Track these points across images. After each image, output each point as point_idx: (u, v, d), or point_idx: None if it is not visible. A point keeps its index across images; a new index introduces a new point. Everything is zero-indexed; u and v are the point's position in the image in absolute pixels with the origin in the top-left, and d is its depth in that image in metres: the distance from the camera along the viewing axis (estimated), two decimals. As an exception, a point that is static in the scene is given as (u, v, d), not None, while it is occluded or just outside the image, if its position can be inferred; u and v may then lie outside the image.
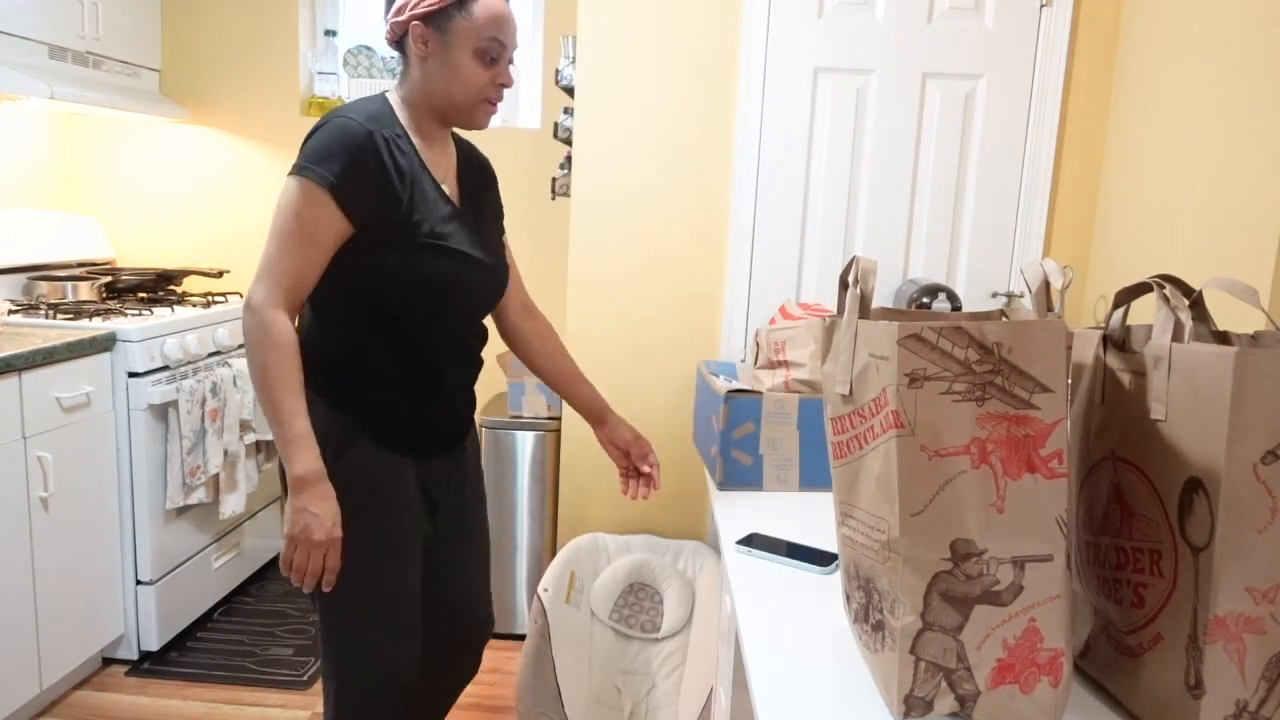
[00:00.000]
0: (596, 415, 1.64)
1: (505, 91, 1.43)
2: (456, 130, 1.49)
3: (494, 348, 3.17)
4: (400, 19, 1.36)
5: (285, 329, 1.29)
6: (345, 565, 1.36)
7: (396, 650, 1.43)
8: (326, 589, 1.30)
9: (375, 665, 1.42)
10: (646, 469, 1.61)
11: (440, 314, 1.41)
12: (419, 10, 1.34)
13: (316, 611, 1.45)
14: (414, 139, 1.40)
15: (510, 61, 1.41)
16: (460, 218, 1.43)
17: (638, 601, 2.34)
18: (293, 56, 3.05)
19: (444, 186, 1.43)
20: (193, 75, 3.08)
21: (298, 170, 1.30)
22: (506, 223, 3.10)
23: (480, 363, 1.55)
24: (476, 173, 1.54)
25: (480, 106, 1.39)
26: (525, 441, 2.71)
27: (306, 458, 1.27)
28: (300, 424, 1.28)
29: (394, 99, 1.42)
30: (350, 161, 1.29)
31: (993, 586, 0.82)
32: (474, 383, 1.55)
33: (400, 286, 1.36)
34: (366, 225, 1.32)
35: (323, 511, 1.27)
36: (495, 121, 3.17)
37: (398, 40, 1.39)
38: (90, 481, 2.34)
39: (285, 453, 1.28)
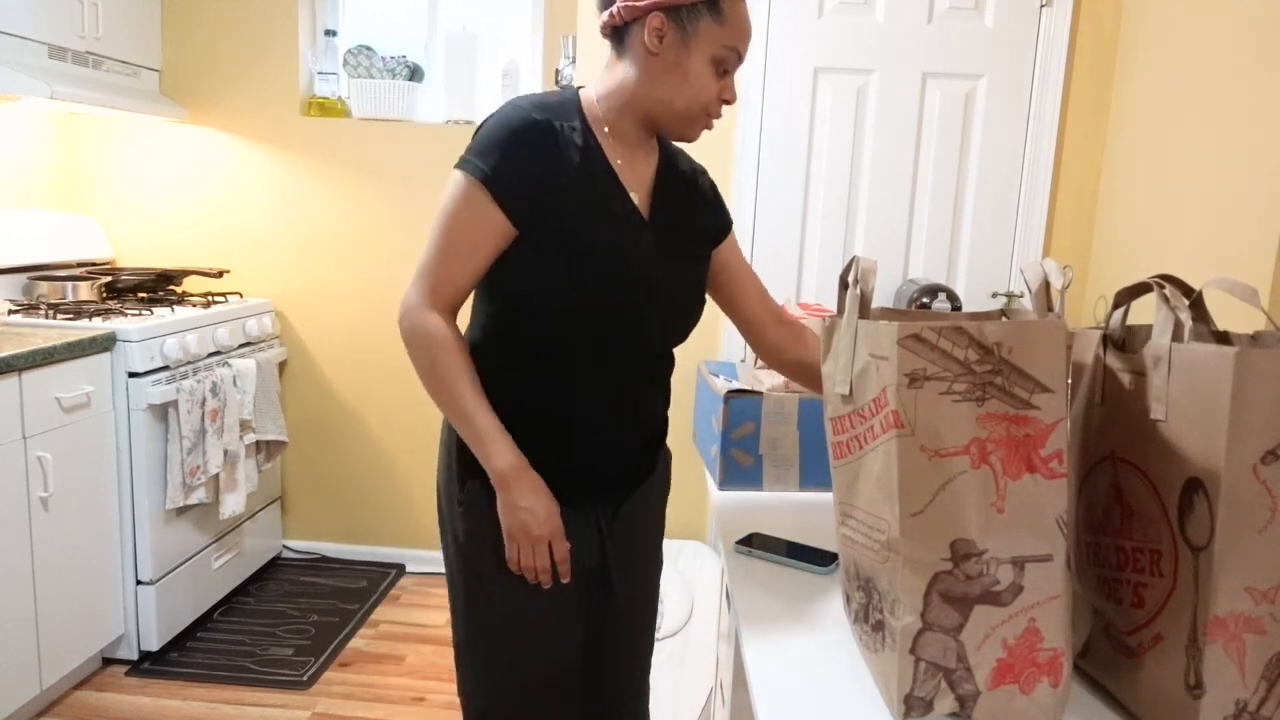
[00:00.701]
0: None
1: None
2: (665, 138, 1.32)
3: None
4: (638, 3, 1.16)
5: (442, 327, 1.18)
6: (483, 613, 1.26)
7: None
8: (564, 580, 1.22)
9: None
10: None
11: (588, 328, 1.22)
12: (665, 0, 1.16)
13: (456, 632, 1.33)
14: (602, 137, 1.23)
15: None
16: (645, 233, 1.24)
17: (638, 601, 2.33)
18: (293, 56, 3.05)
19: (633, 195, 1.25)
20: (193, 75, 3.08)
21: (459, 162, 1.18)
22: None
23: (653, 406, 1.35)
24: (681, 185, 1.33)
25: (700, 119, 1.22)
26: (525, 441, 2.71)
27: (502, 451, 1.17)
28: (484, 419, 1.18)
29: (588, 94, 1.25)
30: (510, 152, 1.15)
31: (993, 586, 0.82)
32: (641, 431, 1.34)
33: (549, 303, 1.19)
34: (528, 225, 1.17)
35: (534, 504, 1.18)
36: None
37: (619, 27, 1.20)
38: (90, 481, 2.34)
39: (478, 451, 1.18)
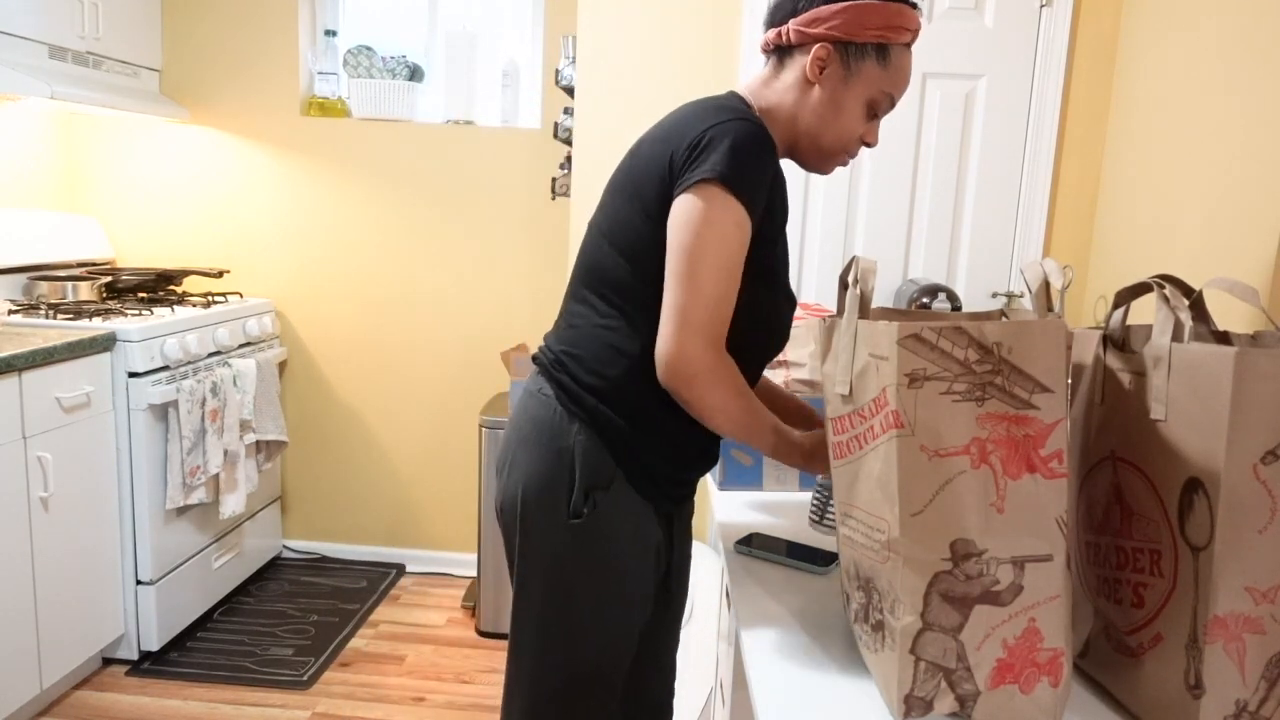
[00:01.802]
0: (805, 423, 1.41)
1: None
2: None
3: (498, 343, 3.17)
4: (809, 30, 1.15)
5: (730, 364, 1.12)
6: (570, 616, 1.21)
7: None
8: None
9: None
10: None
11: (753, 354, 1.21)
12: (836, 32, 1.13)
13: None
14: None
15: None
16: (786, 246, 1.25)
17: (638, 601, 2.33)
18: (293, 56, 3.05)
19: None
20: (193, 75, 3.08)
21: (708, 178, 1.07)
22: (506, 224, 3.12)
23: None
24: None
25: (838, 157, 1.21)
26: (525, 441, 2.71)
27: (792, 452, 1.16)
28: (767, 428, 1.14)
29: (753, 103, 1.22)
30: (758, 170, 1.10)
31: (992, 586, 0.82)
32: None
33: (736, 320, 1.14)
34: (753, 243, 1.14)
35: (823, 466, 1.17)
36: (494, 121, 3.17)
37: (784, 47, 1.19)
38: (90, 481, 2.34)
39: (778, 459, 1.17)
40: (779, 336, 1.25)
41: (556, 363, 1.23)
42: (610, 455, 1.19)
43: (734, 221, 1.08)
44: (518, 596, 1.25)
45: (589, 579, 1.20)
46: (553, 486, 1.19)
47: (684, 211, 1.09)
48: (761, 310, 1.18)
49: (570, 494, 1.18)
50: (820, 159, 1.22)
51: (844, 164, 1.24)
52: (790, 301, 1.25)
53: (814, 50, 1.15)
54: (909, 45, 1.18)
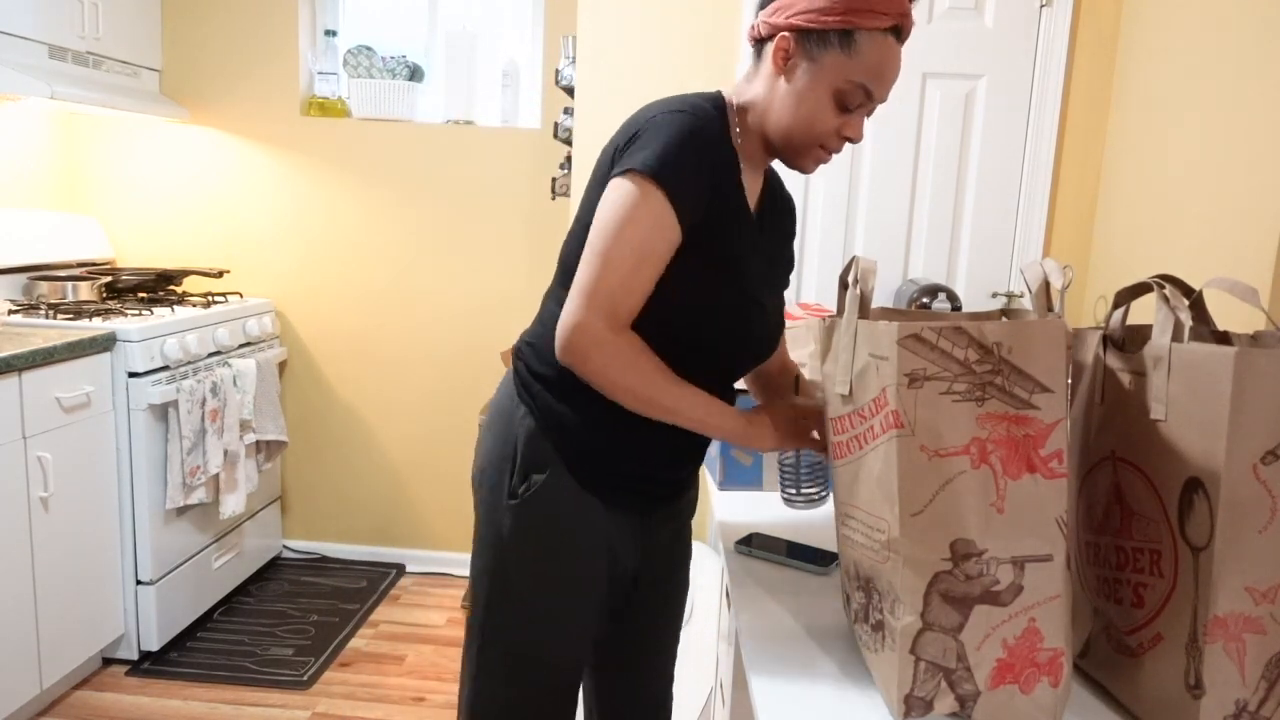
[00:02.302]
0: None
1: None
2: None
3: (498, 343, 3.17)
4: (773, 20, 1.13)
5: (633, 340, 1.11)
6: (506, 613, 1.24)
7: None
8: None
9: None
10: None
11: (713, 357, 1.19)
12: (797, 20, 1.10)
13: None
14: (736, 147, 1.19)
15: (870, 113, 1.17)
16: (758, 246, 1.21)
17: (638, 601, 2.33)
18: (293, 56, 3.05)
19: (750, 207, 1.22)
20: (193, 75, 3.08)
21: (628, 168, 1.08)
22: (505, 224, 3.11)
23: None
24: (780, 209, 1.31)
25: (813, 152, 1.16)
26: (525, 441, 2.71)
27: (725, 421, 1.14)
28: (695, 403, 1.12)
29: (731, 100, 1.21)
30: (686, 159, 1.10)
31: (993, 586, 0.82)
32: (705, 447, 1.31)
33: (675, 313, 1.14)
34: (688, 235, 1.12)
35: (763, 434, 1.16)
36: (494, 121, 3.17)
37: (759, 40, 1.17)
38: (90, 481, 2.34)
39: (712, 434, 1.15)
40: (747, 342, 1.21)
41: (518, 352, 1.27)
42: (549, 441, 1.20)
43: (652, 211, 1.07)
44: (471, 572, 1.30)
45: (526, 561, 1.22)
46: (500, 469, 1.23)
47: (606, 197, 1.10)
48: (715, 310, 1.15)
49: (513, 477, 1.22)
50: (794, 154, 1.18)
51: (824, 160, 1.19)
52: (761, 307, 1.20)
53: (776, 41, 1.12)
54: (888, 30, 1.09)
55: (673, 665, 1.52)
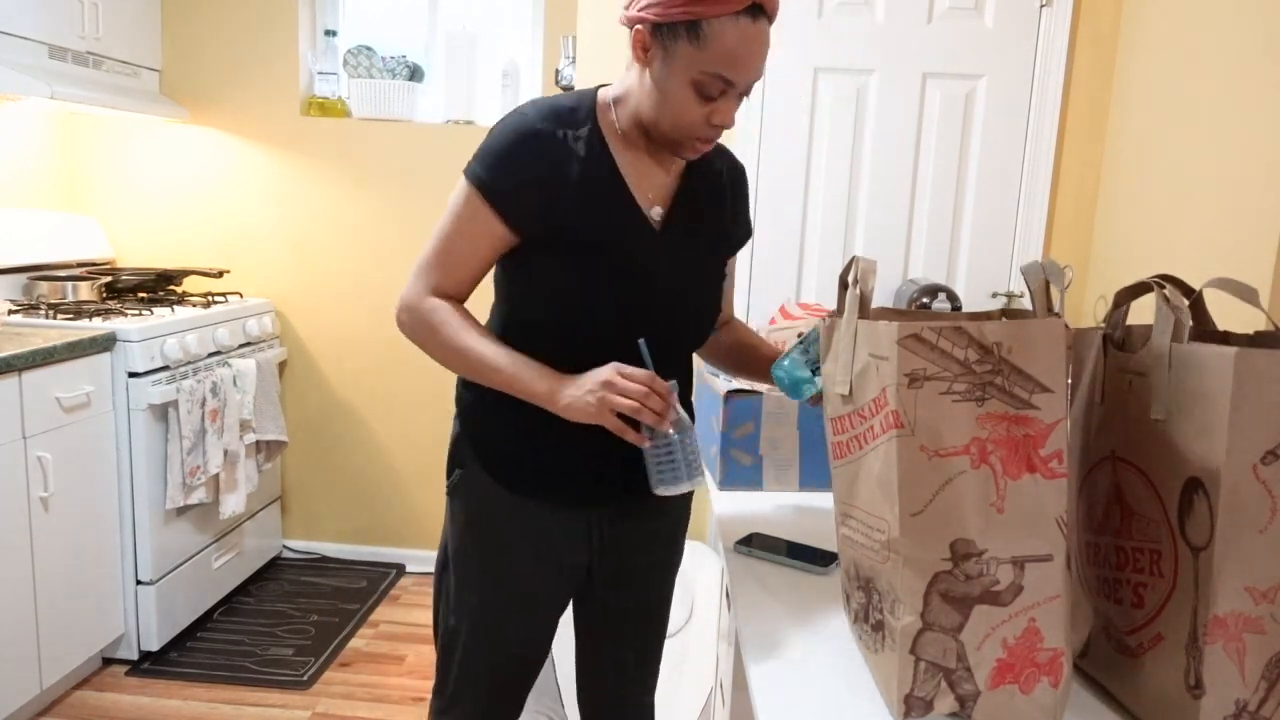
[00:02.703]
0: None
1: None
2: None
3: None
4: (628, 13, 1.14)
5: (439, 301, 1.20)
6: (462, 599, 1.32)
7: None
8: (662, 416, 1.12)
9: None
10: None
11: (580, 330, 1.20)
12: (646, 13, 1.10)
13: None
14: (614, 141, 1.21)
15: (744, 95, 1.15)
16: (652, 235, 1.22)
17: (638, 601, 2.33)
18: (293, 56, 3.05)
19: (638, 195, 1.22)
20: (193, 75, 3.08)
21: (465, 169, 1.19)
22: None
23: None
24: (710, 187, 1.30)
25: (686, 142, 1.17)
26: (525, 441, 2.71)
27: (533, 380, 1.16)
28: (501, 360, 1.16)
29: (605, 96, 1.23)
30: (509, 161, 1.16)
31: (993, 586, 0.82)
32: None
33: (537, 297, 1.20)
34: (529, 231, 1.18)
35: (575, 399, 1.13)
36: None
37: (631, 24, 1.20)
38: (90, 481, 2.34)
39: (517, 393, 1.17)
40: (620, 314, 1.19)
41: None
42: (466, 436, 1.30)
43: (469, 207, 1.18)
44: (437, 575, 1.42)
45: (455, 549, 1.34)
46: (447, 463, 1.36)
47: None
48: (573, 285, 1.17)
49: (449, 470, 1.34)
50: (669, 144, 1.18)
51: (703, 148, 1.18)
52: (631, 278, 1.19)
53: (633, 34, 1.13)
54: (742, 13, 1.07)
55: (644, 670, 1.50)
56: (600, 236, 1.18)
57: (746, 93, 1.15)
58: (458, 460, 1.31)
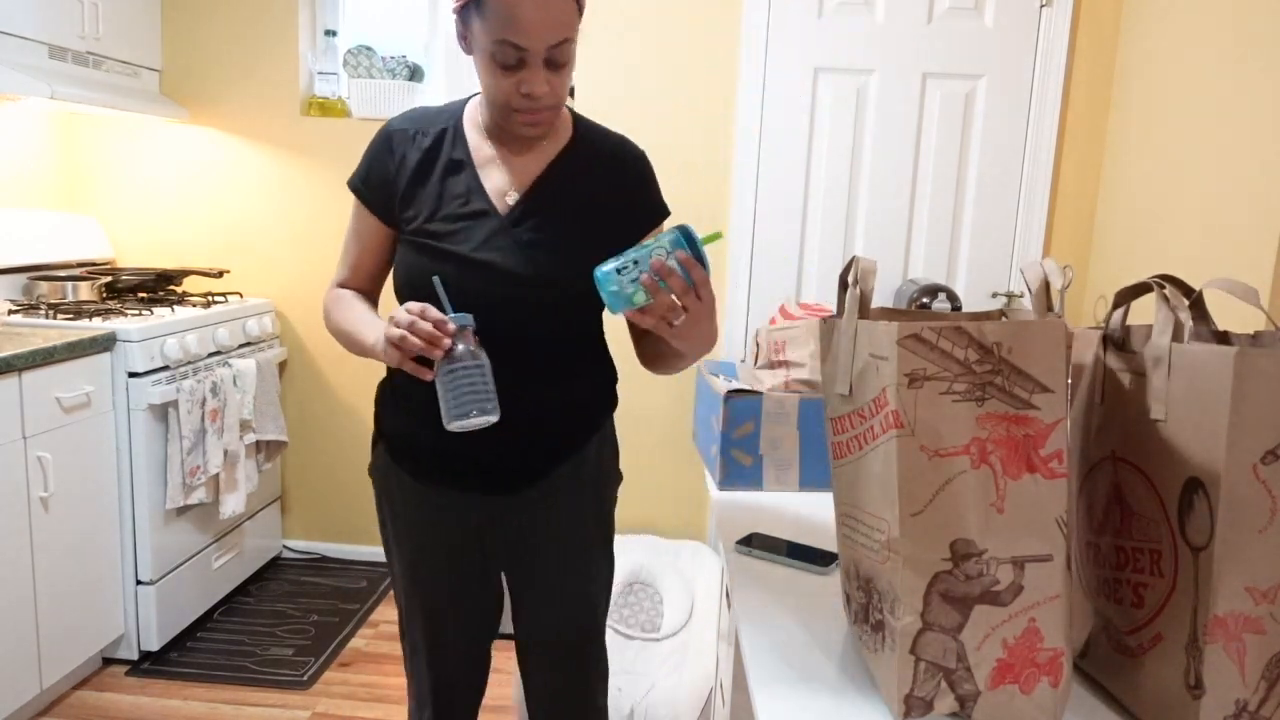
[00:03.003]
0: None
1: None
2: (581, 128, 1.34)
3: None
4: (452, 7, 1.24)
5: (335, 292, 1.39)
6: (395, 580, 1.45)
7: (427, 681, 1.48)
8: (438, 342, 1.13)
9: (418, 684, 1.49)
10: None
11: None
12: (454, 2, 1.21)
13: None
14: (475, 133, 1.29)
15: (558, 66, 1.18)
16: (487, 219, 1.26)
17: (637, 601, 2.34)
18: (293, 56, 3.05)
19: (491, 185, 1.27)
20: (193, 75, 3.08)
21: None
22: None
23: (541, 398, 1.30)
24: (583, 170, 1.31)
25: (507, 114, 1.21)
26: (525, 441, 2.71)
27: (367, 338, 1.26)
28: (356, 325, 1.30)
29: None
30: (366, 161, 1.33)
31: (993, 586, 0.82)
32: (526, 422, 1.30)
33: (395, 283, 1.32)
34: (393, 222, 1.32)
35: (379, 342, 1.19)
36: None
37: None
38: (90, 481, 2.34)
39: (365, 353, 1.27)
40: (464, 297, 1.21)
41: None
42: (376, 421, 1.43)
43: (354, 204, 1.36)
44: None
45: (385, 521, 1.44)
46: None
47: None
48: (414, 270, 1.27)
49: (371, 447, 1.46)
50: (501, 121, 1.25)
51: (531, 121, 1.22)
52: (470, 263, 1.23)
53: (457, 28, 1.24)
54: None
55: (580, 676, 1.48)
56: (443, 225, 1.27)
57: (556, 63, 1.17)
58: (373, 441, 1.44)
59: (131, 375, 2.41)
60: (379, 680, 2.52)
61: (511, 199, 1.28)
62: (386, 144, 1.31)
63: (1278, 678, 0.79)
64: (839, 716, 0.88)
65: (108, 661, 2.52)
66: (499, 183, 1.28)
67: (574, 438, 1.37)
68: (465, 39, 1.23)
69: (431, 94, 3.19)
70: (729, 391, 1.62)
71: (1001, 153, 2.56)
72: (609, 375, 1.43)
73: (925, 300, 2.43)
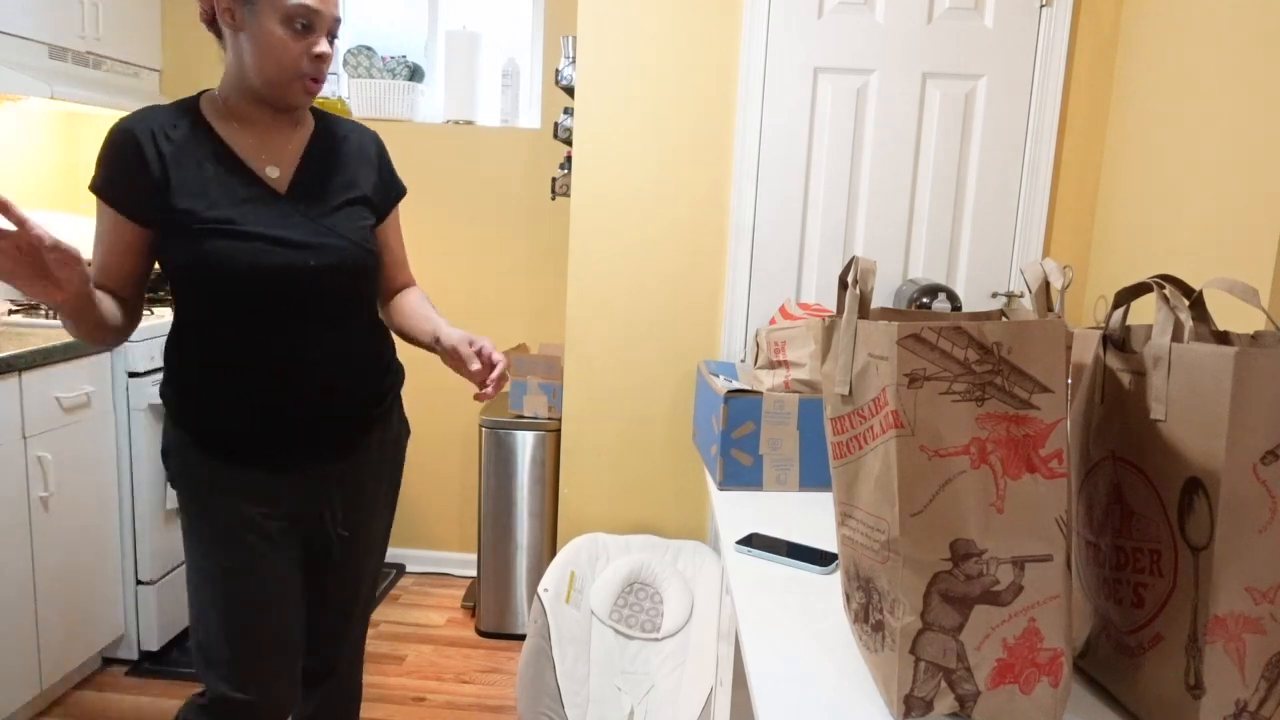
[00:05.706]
0: (433, 337, 1.45)
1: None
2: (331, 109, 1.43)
3: (498, 343, 3.16)
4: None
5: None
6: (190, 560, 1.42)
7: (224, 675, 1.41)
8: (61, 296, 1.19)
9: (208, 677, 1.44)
10: (483, 363, 1.37)
11: (232, 301, 1.32)
12: None
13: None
14: (220, 121, 1.34)
15: (333, 35, 1.32)
16: (268, 199, 1.34)
17: (638, 601, 2.34)
18: (293, 56, 3.05)
19: (257, 167, 1.35)
20: (193, 75, 3.08)
21: None
22: (505, 224, 3.11)
23: (343, 357, 1.41)
24: (333, 149, 1.44)
25: (295, 83, 1.30)
26: (525, 441, 2.71)
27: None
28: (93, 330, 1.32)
29: (214, 89, 1.38)
30: (104, 164, 1.33)
31: (992, 586, 0.82)
32: (336, 383, 1.41)
33: (184, 276, 1.33)
34: (148, 218, 1.33)
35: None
36: (494, 120, 3.17)
37: (210, 20, 1.32)
38: (90, 481, 2.34)
39: (78, 319, 1.29)
40: (236, 281, 1.31)
41: None
42: (170, 420, 1.43)
43: (98, 208, 1.38)
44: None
45: (185, 529, 1.45)
46: (162, 458, 1.50)
47: None
48: (183, 257, 1.31)
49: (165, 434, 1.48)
50: (280, 92, 1.31)
51: (312, 89, 1.32)
52: (250, 242, 1.30)
53: (217, 4, 1.27)
54: None
55: (355, 625, 1.62)
56: (230, 210, 1.30)
57: (333, 36, 1.31)
58: (167, 449, 1.42)
59: (131, 375, 2.41)
60: (379, 680, 2.52)
61: (282, 178, 1.37)
62: (130, 145, 1.30)
63: (1278, 678, 0.79)
64: (839, 716, 0.88)
65: (108, 661, 2.52)
66: (266, 165, 1.36)
67: (379, 395, 1.50)
68: (235, 16, 1.27)
69: (431, 94, 3.19)
70: (729, 391, 1.62)
71: (1001, 153, 2.56)
72: (387, 331, 1.56)
73: (925, 300, 2.43)
